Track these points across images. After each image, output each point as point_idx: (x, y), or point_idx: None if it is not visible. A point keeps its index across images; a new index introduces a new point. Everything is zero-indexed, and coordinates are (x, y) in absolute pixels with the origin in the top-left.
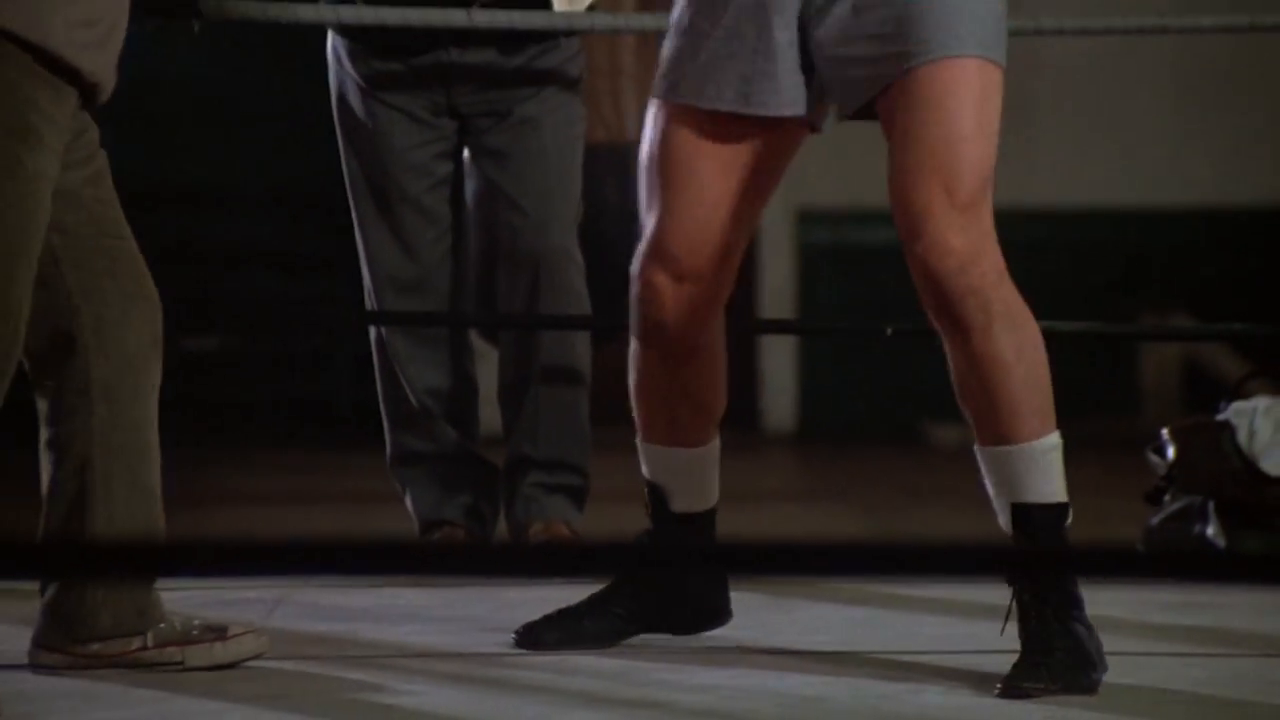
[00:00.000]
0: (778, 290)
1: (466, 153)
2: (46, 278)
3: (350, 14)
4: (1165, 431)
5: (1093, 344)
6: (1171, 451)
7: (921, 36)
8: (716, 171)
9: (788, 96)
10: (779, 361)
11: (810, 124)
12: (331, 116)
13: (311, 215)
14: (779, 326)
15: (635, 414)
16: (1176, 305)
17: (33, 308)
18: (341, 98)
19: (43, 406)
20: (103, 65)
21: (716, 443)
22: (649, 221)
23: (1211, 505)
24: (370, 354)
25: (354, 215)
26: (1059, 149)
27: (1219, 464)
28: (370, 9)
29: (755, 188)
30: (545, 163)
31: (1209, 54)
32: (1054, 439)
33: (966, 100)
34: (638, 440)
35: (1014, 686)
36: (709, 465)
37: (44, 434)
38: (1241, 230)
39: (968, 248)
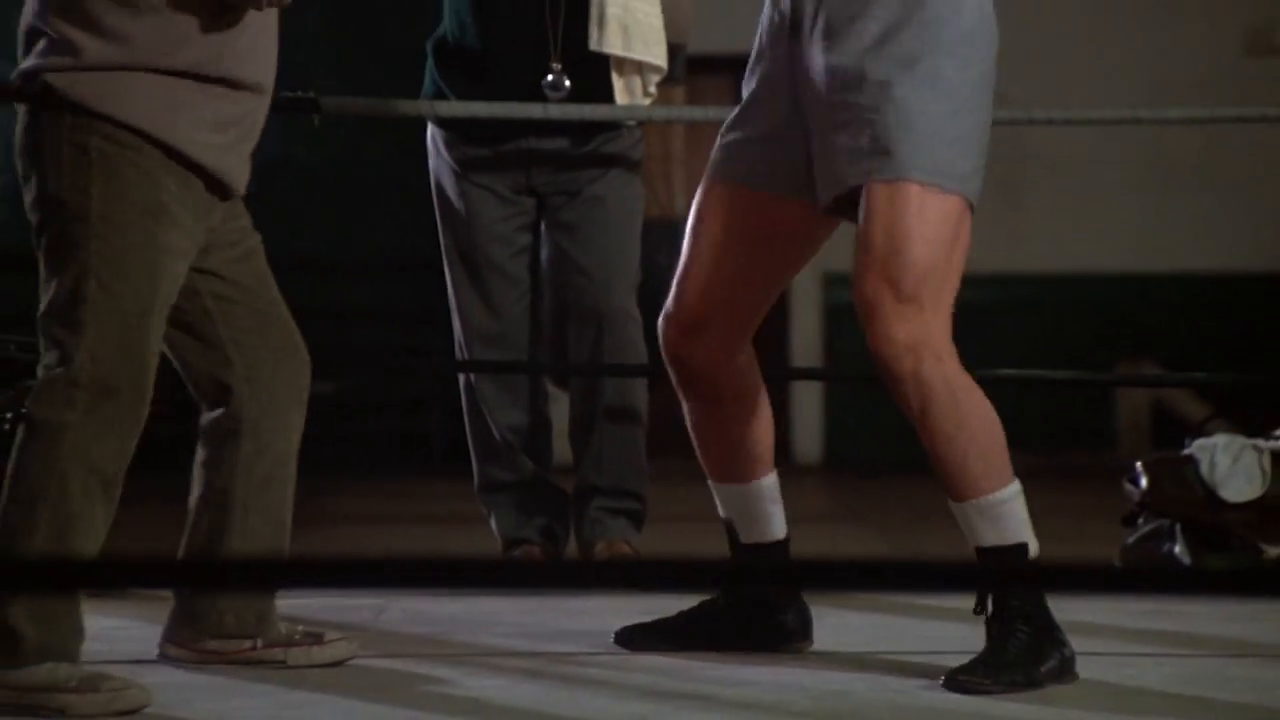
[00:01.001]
0: (807, 342)
1: (543, 225)
2: (204, 335)
3: (445, 108)
4: (1138, 464)
5: (1075, 389)
6: (1144, 481)
7: (882, 154)
8: (716, 230)
9: (767, 170)
10: (808, 403)
11: (828, 208)
12: (428, 195)
13: (411, 279)
14: (808, 374)
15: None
16: (1147, 356)
17: (194, 358)
18: (438, 179)
19: (200, 438)
20: (230, 165)
21: (769, 479)
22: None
23: (1178, 528)
24: (461, 397)
25: (448, 278)
26: (1047, 222)
27: (1185, 492)
28: (462, 104)
29: (769, 257)
30: (608, 234)
31: (1176, 141)
32: (1005, 493)
33: (907, 213)
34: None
35: (954, 680)
36: (764, 500)
37: (198, 457)
38: (1203, 293)
39: (908, 337)
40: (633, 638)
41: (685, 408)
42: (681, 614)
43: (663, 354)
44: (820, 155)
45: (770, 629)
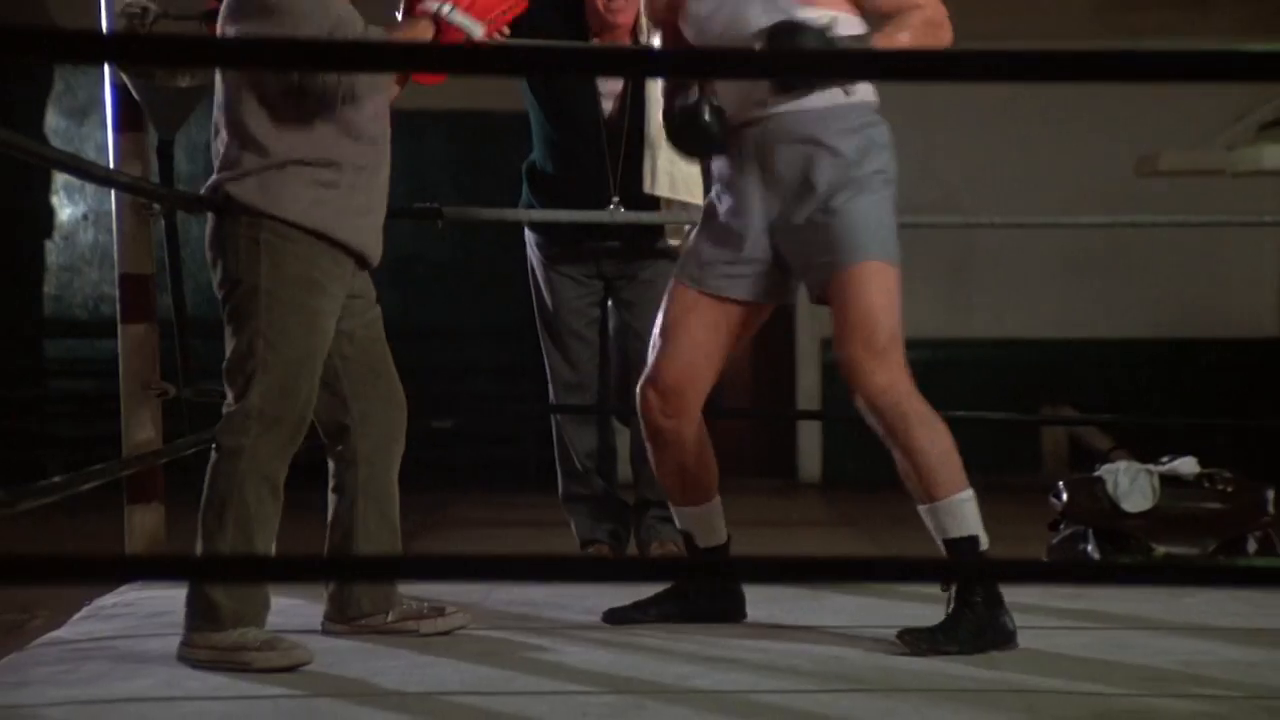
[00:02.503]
0: (809, 390)
1: (609, 301)
2: (332, 386)
3: (538, 215)
4: (1060, 483)
5: (1010, 427)
6: (1064, 496)
7: (840, 249)
8: (696, 327)
9: (742, 286)
10: (810, 436)
11: (818, 299)
12: (523, 280)
13: (510, 342)
14: (811, 415)
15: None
16: (1065, 401)
17: (322, 403)
18: (531, 268)
19: (330, 466)
20: (369, 242)
21: (716, 501)
22: (650, 358)
23: (1090, 532)
24: (550, 431)
25: (541, 342)
26: (989, 299)
27: (1095, 505)
28: (550, 212)
29: (723, 340)
30: (658, 309)
31: (1085, 239)
32: (963, 495)
33: (871, 287)
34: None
35: (906, 637)
36: (714, 515)
37: (330, 483)
38: (1108, 353)
39: (884, 380)
40: (617, 614)
41: (651, 453)
42: (653, 596)
43: (639, 411)
44: (802, 267)
45: (713, 607)
